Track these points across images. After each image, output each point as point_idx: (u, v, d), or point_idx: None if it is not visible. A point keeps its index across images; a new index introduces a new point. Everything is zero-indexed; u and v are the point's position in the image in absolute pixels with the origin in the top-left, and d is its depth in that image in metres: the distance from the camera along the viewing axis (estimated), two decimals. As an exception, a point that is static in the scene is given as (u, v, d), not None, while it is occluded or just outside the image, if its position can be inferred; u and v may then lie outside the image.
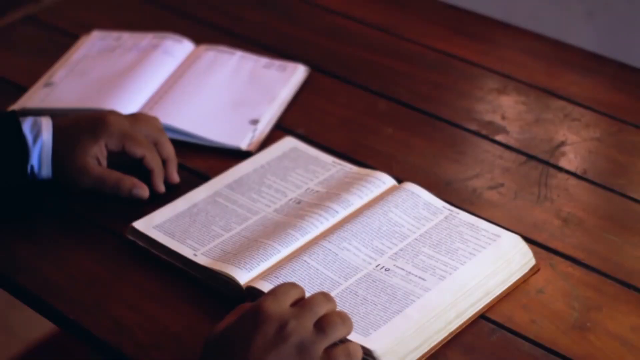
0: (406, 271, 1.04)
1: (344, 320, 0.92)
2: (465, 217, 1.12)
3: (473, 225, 1.10)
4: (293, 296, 0.93)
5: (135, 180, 1.17)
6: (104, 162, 1.18)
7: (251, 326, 0.90)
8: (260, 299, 0.92)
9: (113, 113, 1.20)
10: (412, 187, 1.14)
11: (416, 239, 1.09)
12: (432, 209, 1.12)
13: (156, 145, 1.20)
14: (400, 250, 1.07)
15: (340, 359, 0.91)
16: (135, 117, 1.21)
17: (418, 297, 1.01)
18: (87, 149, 1.16)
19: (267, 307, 0.91)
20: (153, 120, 1.22)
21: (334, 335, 0.91)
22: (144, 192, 1.17)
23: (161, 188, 1.19)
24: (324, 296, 0.94)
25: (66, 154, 1.16)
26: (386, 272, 1.05)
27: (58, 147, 1.16)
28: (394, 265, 1.05)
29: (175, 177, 1.21)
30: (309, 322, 0.91)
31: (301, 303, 0.93)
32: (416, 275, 1.04)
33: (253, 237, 1.10)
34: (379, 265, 1.06)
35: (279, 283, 1.01)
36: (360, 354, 0.93)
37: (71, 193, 1.18)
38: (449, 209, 1.13)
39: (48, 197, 1.19)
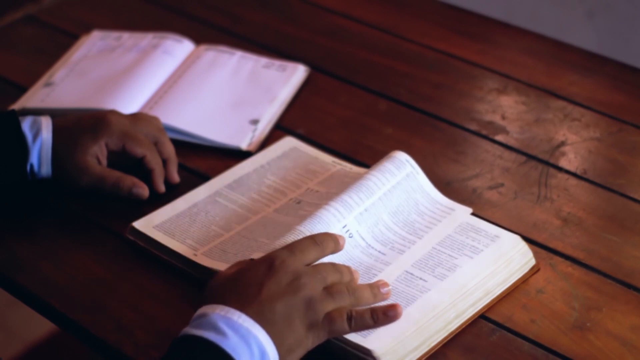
0: (406, 271, 1.04)
1: (352, 292, 0.96)
2: (466, 217, 1.12)
3: (473, 225, 1.10)
4: (309, 256, 0.98)
5: (135, 180, 1.17)
6: (104, 162, 1.18)
7: (265, 272, 0.94)
8: (277, 250, 0.97)
9: (113, 112, 1.20)
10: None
11: (416, 240, 1.09)
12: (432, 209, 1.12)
13: (157, 145, 1.20)
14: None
15: (340, 322, 0.95)
16: (135, 117, 1.21)
17: (418, 297, 1.01)
18: (88, 148, 1.16)
19: (284, 259, 0.96)
20: (154, 120, 1.22)
21: (340, 302, 0.95)
22: (143, 191, 1.17)
23: (161, 188, 1.19)
24: (333, 266, 0.98)
25: (66, 152, 1.16)
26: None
27: (58, 146, 1.16)
28: (394, 265, 1.05)
29: (176, 177, 1.21)
30: (318, 284, 0.95)
31: (314, 265, 0.97)
32: (416, 276, 1.04)
33: (253, 237, 1.10)
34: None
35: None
36: (366, 321, 0.96)
37: (71, 193, 1.19)
38: (451, 208, 1.13)
39: (48, 197, 1.19)
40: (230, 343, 0.89)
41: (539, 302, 1.04)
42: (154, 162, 1.19)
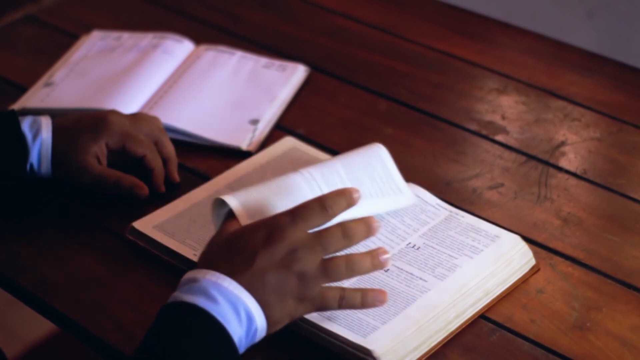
0: (406, 271, 1.04)
1: (351, 265, 0.94)
2: (465, 217, 1.12)
3: (473, 225, 1.10)
4: (313, 223, 0.94)
5: (135, 180, 1.17)
6: (104, 161, 1.18)
7: (262, 240, 0.93)
8: (280, 215, 0.94)
9: (114, 112, 1.20)
10: (412, 188, 1.14)
11: (416, 240, 1.09)
12: (432, 210, 1.12)
13: (157, 144, 1.20)
14: (400, 250, 1.07)
15: (331, 301, 0.95)
16: (136, 117, 1.21)
17: (418, 297, 1.01)
18: (88, 147, 1.16)
19: (283, 228, 0.93)
20: (154, 120, 1.22)
21: (335, 278, 0.94)
22: (143, 191, 1.17)
23: (161, 188, 1.19)
24: (342, 230, 0.94)
25: (67, 152, 1.16)
26: (386, 273, 1.05)
27: (58, 145, 1.16)
28: (394, 265, 1.05)
29: (176, 177, 1.21)
30: (317, 256, 0.93)
31: (317, 233, 0.94)
32: (416, 276, 1.04)
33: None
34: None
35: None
36: (355, 303, 0.96)
37: (71, 193, 1.19)
38: (449, 210, 1.13)
39: (48, 197, 1.19)
40: (221, 310, 0.90)
41: (539, 302, 1.04)
42: (154, 162, 1.19)
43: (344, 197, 0.96)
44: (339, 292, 0.95)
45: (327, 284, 0.95)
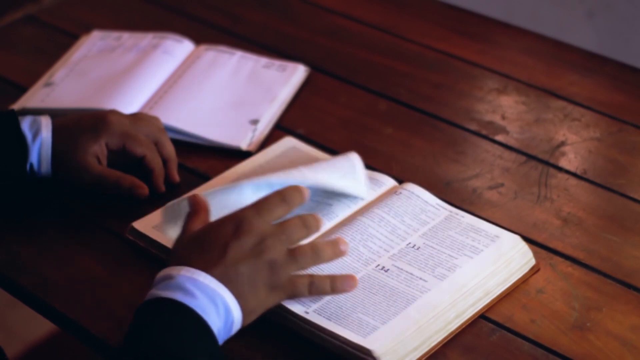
0: (406, 271, 1.04)
1: (316, 251, 0.98)
2: (465, 217, 1.12)
3: (473, 225, 1.10)
4: (276, 213, 0.99)
5: (135, 180, 1.17)
6: (104, 161, 1.18)
7: (231, 233, 0.96)
8: (244, 209, 0.98)
9: (114, 112, 1.20)
10: (412, 188, 1.14)
11: (416, 240, 1.09)
12: (432, 210, 1.12)
13: (157, 144, 1.20)
14: (400, 250, 1.07)
15: (301, 287, 0.98)
16: (136, 117, 1.21)
17: (418, 297, 1.01)
18: (88, 147, 1.16)
19: (250, 220, 0.97)
20: (154, 120, 1.22)
21: (302, 264, 0.98)
22: (143, 191, 1.17)
23: (161, 188, 1.19)
24: (301, 221, 0.99)
25: (67, 152, 1.16)
26: (386, 273, 1.05)
27: (58, 145, 1.16)
28: (394, 265, 1.05)
29: (176, 177, 1.21)
30: (283, 244, 0.97)
31: (280, 224, 0.98)
32: (416, 276, 1.04)
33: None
34: (378, 265, 1.06)
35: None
36: (325, 288, 0.98)
37: (71, 193, 1.19)
38: (449, 210, 1.13)
39: (48, 197, 1.19)
40: (199, 303, 0.91)
41: (539, 302, 1.04)
42: (154, 162, 1.19)
43: (299, 192, 1.01)
44: (309, 279, 0.98)
45: (296, 272, 0.98)
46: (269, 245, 0.96)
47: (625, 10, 2.19)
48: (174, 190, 1.19)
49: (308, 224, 1.00)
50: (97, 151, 1.17)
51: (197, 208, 1.02)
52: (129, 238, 1.12)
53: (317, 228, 1.00)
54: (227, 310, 0.93)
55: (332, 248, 1.00)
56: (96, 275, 1.09)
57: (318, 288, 0.99)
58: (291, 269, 0.97)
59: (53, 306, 1.06)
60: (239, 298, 0.94)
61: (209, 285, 0.93)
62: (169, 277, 0.94)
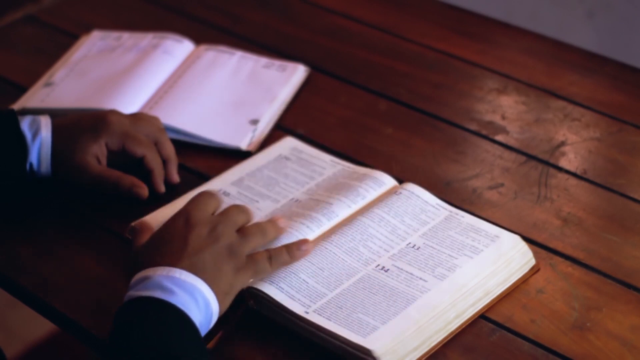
0: (406, 271, 1.04)
1: (261, 230, 1.04)
2: (465, 217, 1.12)
3: (473, 225, 1.10)
4: (213, 206, 1.04)
5: (135, 180, 1.17)
6: (104, 161, 1.18)
7: (184, 228, 1.00)
8: (186, 206, 1.03)
9: (114, 112, 1.20)
10: (412, 188, 1.14)
11: (416, 240, 1.09)
12: (432, 210, 1.12)
13: (157, 145, 1.20)
14: (400, 250, 1.07)
15: (261, 261, 1.01)
16: (136, 117, 1.21)
17: (418, 297, 1.01)
18: (88, 147, 1.16)
19: (196, 213, 1.01)
20: (154, 120, 1.22)
21: (253, 241, 1.02)
22: (143, 191, 1.17)
23: (161, 188, 1.19)
24: (238, 208, 1.04)
25: (66, 152, 1.16)
26: (385, 273, 1.05)
27: (58, 145, 1.16)
28: (394, 265, 1.05)
29: (176, 177, 1.21)
30: (231, 228, 1.02)
31: (221, 212, 1.04)
32: (416, 276, 1.04)
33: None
34: (378, 265, 1.06)
35: (278, 283, 1.02)
36: (283, 257, 1.03)
37: (71, 193, 1.19)
38: (449, 210, 1.13)
39: (48, 197, 1.19)
40: (179, 299, 0.93)
41: (539, 302, 1.04)
42: (154, 162, 1.19)
43: (215, 194, 1.06)
44: (267, 253, 1.02)
45: (251, 251, 1.02)
46: (221, 231, 1.00)
47: (625, 10, 2.19)
48: (174, 191, 1.19)
49: (243, 209, 1.04)
50: (96, 151, 1.17)
51: (142, 228, 1.07)
52: (129, 238, 1.12)
53: (251, 213, 1.05)
54: (207, 303, 0.95)
55: (273, 225, 1.06)
56: (96, 275, 1.09)
57: (277, 260, 1.02)
58: (246, 248, 1.01)
59: (53, 306, 1.06)
60: (211, 285, 0.96)
61: (185, 281, 0.95)
62: (146, 278, 0.95)
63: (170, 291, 0.93)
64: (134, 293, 0.94)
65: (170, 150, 1.21)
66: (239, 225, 1.03)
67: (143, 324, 0.92)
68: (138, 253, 1.01)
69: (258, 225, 1.05)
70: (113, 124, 1.18)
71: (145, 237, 1.04)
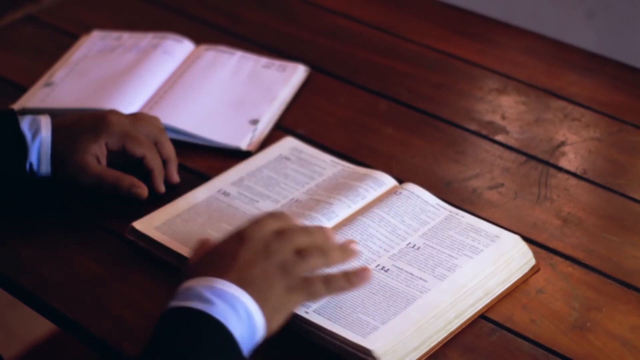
0: (406, 271, 1.04)
1: (324, 252, 0.98)
2: (465, 217, 1.12)
3: (473, 225, 1.10)
4: (273, 225, 0.99)
5: (134, 180, 1.17)
6: (104, 161, 1.18)
7: (236, 245, 0.96)
8: (243, 225, 0.99)
9: (114, 112, 1.20)
10: (412, 188, 1.14)
11: (416, 240, 1.09)
12: (432, 210, 1.12)
13: (157, 145, 1.20)
14: (400, 250, 1.07)
15: (316, 284, 0.97)
16: (136, 117, 1.21)
17: (418, 297, 1.01)
18: (87, 147, 1.16)
19: (252, 230, 0.98)
20: (154, 120, 1.22)
21: (312, 263, 0.97)
22: (142, 191, 1.17)
23: (161, 188, 1.19)
24: (302, 229, 1.00)
25: (66, 152, 1.16)
26: (386, 273, 1.05)
27: (58, 145, 1.16)
28: (394, 265, 1.05)
29: (176, 178, 1.21)
30: (289, 247, 0.97)
31: (281, 231, 0.99)
32: (416, 276, 1.04)
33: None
34: (378, 265, 1.06)
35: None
36: (340, 283, 0.98)
37: (71, 193, 1.19)
38: (449, 210, 1.13)
39: (48, 197, 1.19)
40: (218, 309, 0.90)
41: (539, 302, 1.04)
42: (154, 163, 1.19)
43: (286, 215, 1.02)
44: (324, 276, 0.98)
45: (308, 273, 0.97)
46: (275, 248, 0.96)
47: (625, 10, 2.19)
48: (173, 191, 1.19)
49: (310, 231, 1.00)
50: (96, 151, 1.17)
51: (202, 245, 1.02)
52: (129, 238, 1.12)
53: (319, 236, 1.00)
54: (249, 315, 0.91)
55: (341, 250, 1.00)
56: (96, 275, 1.09)
57: (334, 285, 0.98)
58: (302, 269, 0.96)
59: (53, 306, 1.06)
60: (258, 299, 0.93)
61: (227, 291, 0.91)
62: (187, 289, 0.93)
63: (209, 301, 0.91)
64: (173, 303, 0.92)
65: (170, 150, 1.21)
66: (298, 245, 0.98)
67: (177, 335, 0.90)
68: (189, 268, 0.99)
69: (322, 247, 0.99)
70: (113, 123, 1.18)
71: (200, 254, 1.00)
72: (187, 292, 0.92)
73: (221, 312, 0.90)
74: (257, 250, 0.96)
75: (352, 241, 1.02)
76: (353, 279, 0.99)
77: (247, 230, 0.98)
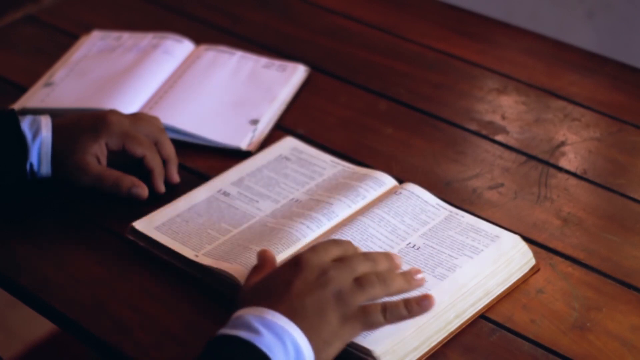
0: (406, 271, 1.04)
1: (382, 279, 0.95)
2: (465, 217, 1.12)
3: (473, 225, 1.10)
4: (333, 252, 0.97)
5: (135, 180, 1.17)
6: (104, 161, 1.18)
7: (291, 273, 0.94)
8: (301, 252, 0.97)
9: (114, 112, 1.20)
10: (412, 188, 1.14)
11: (416, 240, 1.09)
12: (432, 210, 1.12)
13: (157, 144, 1.20)
14: (400, 250, 1.07)
15: (374, 313, 0.93)
16: (136, 117, 1.21)
17: (418, 297, 1.01)
18: (88, 147, 1.16)
19: (308, 257, 0.95)
20: (154, 120, 1.22)
21: (371, 292, 0.94)
22: (143, 191, 1.17)
23: (161, 188, 1.19)
24: (364, 256, 0.97)
25: (66, 152, 1.16)
26: (386, 272, 1.05)
27: (58, 145, 1.16)
28: (394, 265, 1.05)
29: (176, 178, 1.21)
30: (347, 275, 0.94)
31: (341, 259, 0.96)
32: (416, 275, 1.04)
33: (254, 238, 1.10)
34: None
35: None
36: (400, 311, 0.94)
37: (71, 193, 1.19)
38: (449, 210, 1.13)
39: (48, 197, 1.19)
40: (265, 340, 0.88)
41: (539, 302, 1.04)
42: (154, 163, 1.18)
43: (351, 244, 1.00)
44: (381, 305, 0.94)
45: (366, 302, 0.94)
46: (332, 276, 0.93)
47: (625, 10, 2.19)
48: (174, 191, 1.19)
49: (373, 258, 0.97)
50: (96, 151, 1.17)
51: (264, 262, 1.00)
52: (129, 238, 1.12)
53: (383, 265, 0.97)
54: (297, 349, 0.89)
55: (404, 278, 0.97)
56: (96, 275, 1.09)
57: (394, 314, 0.94)
58: (359, 299, 0.93)
59: (53, 306, 1.06)
60: (308, 331, 0.90)
61: (276, 323, 0.90)
62: (238, 317, 0.91)
63: (256, 331, 0.89)
64: (222, 331, 0.91)
65: (170, 150, 1.21)
66: (358, 273, 0.95)
67: None
68: (244, 293, 0.97)
69: (382, 275, 0.96)
70: (113, 124, 1.17)
71: (257, 277, 0.98)
72: (237, 320, 0.91)
73: (267, 343, 0.89)
74: (312, 279, 0.93)
75: (417, 270, 0.99)
76: (414, 308, 0.95)
77: (304, 257, 0.95)
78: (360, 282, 0.94)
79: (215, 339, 0.91)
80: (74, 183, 1.17)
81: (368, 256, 0.97)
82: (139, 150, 1.18)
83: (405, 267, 1.05)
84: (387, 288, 0.95)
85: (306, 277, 0.93)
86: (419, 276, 0.98)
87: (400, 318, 0.95)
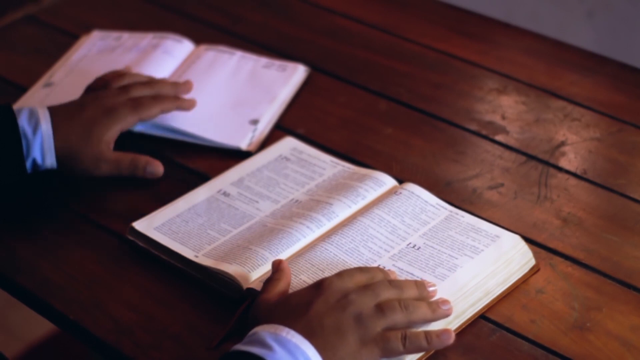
0: (406, 272, 1.04)
1: (405, 305, 0.95)
2: (466, 217, 1.12)
3: (473, 225, 1.10)
4: (358, 279, 0.97)
5: (149, 158, 1.19)
6: (112, 146, 1.19)
7: (313, 294, 0.94)
8: (325, 277, 0.97)
9: (112, 94, 1.22)
10: (412, 188, 1.14)
11: (416, 240, 1.09)
12: (432, 210, 1.12)
13: (135, 84, 1.23)
14: (400, 250, 1.07)
15: (394, 340, 0.93)
16: (113, 86, 1.24)
17: (418, 297, 1.01)
18: (102, 136, 1.17)
19: (331, 281, 0.95)
20: (126, 76, 1.25)
21: (392, 318, 0.94)
22: (158, 168, 1.20)
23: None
24: (390, 283, 0.97)
25: (79, 145, 1.16)
26: (386, 272, 1.05)
27: (64, 137, 1.16)
28: (394, 265, 1.05)
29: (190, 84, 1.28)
30: (369, 300, 0.94)
31: (367, 285, 0.96)
32: (416, 276, 1.04)
33: (254, 238, 1.10)
34: (379, 266, 1.05)
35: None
36: (420, 342, 0.94)
37: (71, 194, 1.19)
38: (449, 210, 1.13)
39: (48, 197, 1.19)
40: (277, 356, 0.88)
41: (539, 302, 1.04)
42: (164, 93, 1.25)
43: (380, 270, 1.00)
44: (401, 332, 0.93)
45: (387, 328, 0.94)
46: (353, 299, 0.93)
47: (625, 10, 2.19)
48: (174, 191, 1.19)
49: (398, 285, 0.97)
50: (109, 138, 1.18)
51: (281, 274, 0.99)
52: (129, 238, 1.12)
53: (410, 293, 0.97)
54: None
55: (430, 306, 0.97)
56: (96, 275, 1.09)
57: (413, 343, 0.93)
58: (379, 324, 0.93)
59: (53, 306, 1.06)
60: (324, 350, 0.90)
61: (290, 340, 0.89)
62: (253, 334, 0.91)
63: (269, 347, 0.88)
64: (237, 347, 0.90)
65: (141, 77, 1.26)
66: (380, 298, 0.95)
67: None
68: (260, 308, 0.96)
69: (405, 302, 0.95)
70: (121, 107, 1.20)
71: (274, 289, 0.97)
72: (252, 337, 0.91)
73: (278, 359, 0.88)
74: (333, 301, 0.93)
75: (445, 301, 0.98)
76: (434, 340, 0.95)
77: (327, 281, 0.96)
78: (381, 307, 0.94)
79: (227, 354, 0.90)
80: (91, 175, 1.17)
81: (395, 283, 0.97)
82: (154, 109, 1.22)
83: (406, 268, 1.05)
84: (409, 315, 0.95)
85: (327, 298, 0.93)
86: (446, 307, 0.97)
87: (419, 349, 0.94)
